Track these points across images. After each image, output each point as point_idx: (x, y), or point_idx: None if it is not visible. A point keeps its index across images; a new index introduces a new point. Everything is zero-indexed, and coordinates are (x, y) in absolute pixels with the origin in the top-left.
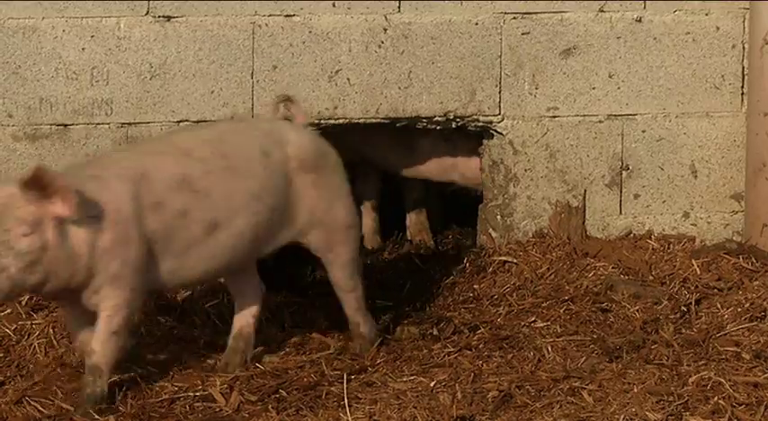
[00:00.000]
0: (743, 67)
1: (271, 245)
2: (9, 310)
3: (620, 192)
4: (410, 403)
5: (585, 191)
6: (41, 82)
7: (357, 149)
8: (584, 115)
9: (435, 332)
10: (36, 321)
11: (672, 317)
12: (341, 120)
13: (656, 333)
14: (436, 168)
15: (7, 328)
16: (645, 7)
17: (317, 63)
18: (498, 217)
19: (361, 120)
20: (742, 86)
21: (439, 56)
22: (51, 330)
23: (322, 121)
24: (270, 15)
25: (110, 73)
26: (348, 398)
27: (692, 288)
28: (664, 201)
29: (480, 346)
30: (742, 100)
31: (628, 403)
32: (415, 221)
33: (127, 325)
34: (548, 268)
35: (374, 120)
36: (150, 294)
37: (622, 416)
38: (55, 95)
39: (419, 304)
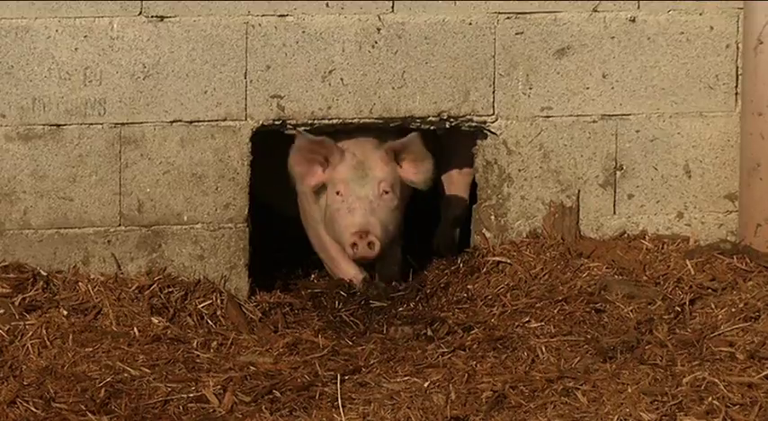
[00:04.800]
0: (737, 67)
1: None
2: (2, 311)
3: (614, 192)
4: (404, 403)
5: (579, 191)
6: (34, 82)
7: None
8: (578, 115)
9: (429, 332)
10: (29, 322)
11: (666, 317)
12: (334, 121)
13: (650, 333)
14: None
15: (0, 329)
16: (639, 7)
17: (311, 63)
18: (492, 217)
19: (355, 121)
20: (736, 86)
21: (432, 56)
22: (44, 331)
23: (315, 122)
24: (263, 15)
25: (103, 73)
26: (342, 399)
27: (686, 288)
28: (658, 202)
29: (474, 347)
30: (736, 100)
31: (622, 403)
32: (449, 235)
33: None
34: (542, 268)
35: (368, 121)
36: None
37: (616, 417)
38: (48, 95)
39: (413, 304)
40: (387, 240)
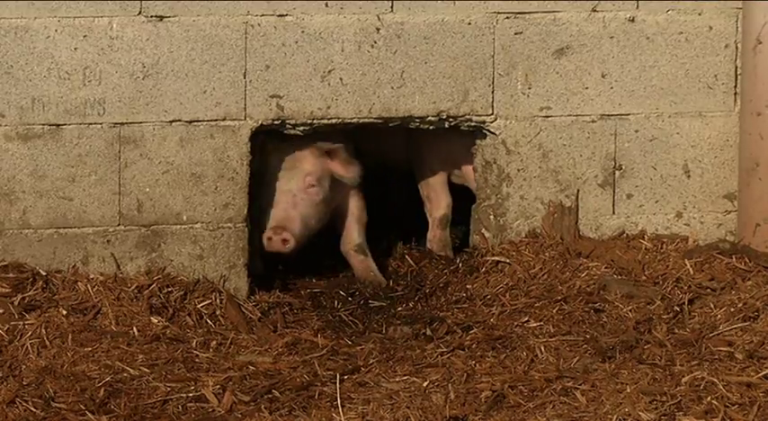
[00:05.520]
0: (736, 67)
1: None
2: (1, 311)
3: (613, 191)
4: (403, 403)
5: (578, 191)
6: (34, 82)
7: None
8: (577, 115)
9: (428, 332)
10: (28, 321)
11: (665, 317)
12: (334, 120)
13: (649, 333)
14: None
15: (0, 329)
16: (638, 7)
17: (310, 63)
18: (491, 217)
19: (354, 120)
20: (735, 86)
21: (432, 56)
22: (44, 331)
23: (315, 121)
24: (262, 15)
25: (102, 73)
26: (341, 399)
27: (685, 288)
28: (657, 201)
29: (473, 346)
30: (735, 100)
31: (621, 403)
32: (439, 237)
33: None
34: (541, 268)
35: (367, 120)
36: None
37: (615, 416)
38: (47, 95)
39: (412, 304)
40: (306, 234)
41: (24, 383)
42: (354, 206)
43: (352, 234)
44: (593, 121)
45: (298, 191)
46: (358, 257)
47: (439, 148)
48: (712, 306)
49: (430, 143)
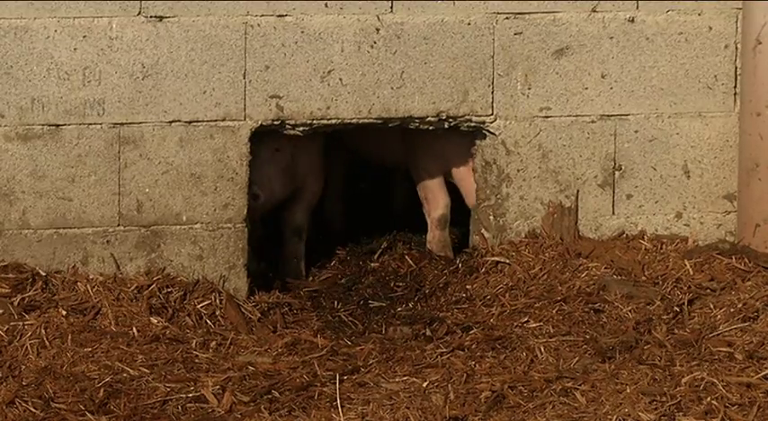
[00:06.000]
0: (736, 68)
1: None
2: (1, 311)
3: (613, 192)
4: (403, 403)
5: (578, 191)
6: (33, 82)
7: None
8: (577, 115)
9: (428, 332)
10: (28, 322)
11: (665, 317)
12: (333, 121)
13: (649, 333)
14: None
15: (0, 329)
16: (637, 7)
17: (310, 63)
18: (491, 217)
19: (354, 121)
20: (735, 86)
21: (431, 56)
22: (43, 331)
23: (314, 122)
24: (262, 15)
25: (102, 73)
26: (340, 399)
27: (685, 288)
28: (656, 202)
29: (473, 347)
30: (735, 100)
31: (620, 403)
32: (438, 237)
33: None
34: (540, 268)
35: (366, 121)
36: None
37: (615, 417)
38: (47, 96)
39: (412, 304)
40: (271, 195)
41: (24, 383)
42: (309, 190)
43: (295, 215)
44: (592, 122)
45: (263, 153)
46: (292, 240)
47: (433, 150)
48: (712, 306)
49: (424, 144)
